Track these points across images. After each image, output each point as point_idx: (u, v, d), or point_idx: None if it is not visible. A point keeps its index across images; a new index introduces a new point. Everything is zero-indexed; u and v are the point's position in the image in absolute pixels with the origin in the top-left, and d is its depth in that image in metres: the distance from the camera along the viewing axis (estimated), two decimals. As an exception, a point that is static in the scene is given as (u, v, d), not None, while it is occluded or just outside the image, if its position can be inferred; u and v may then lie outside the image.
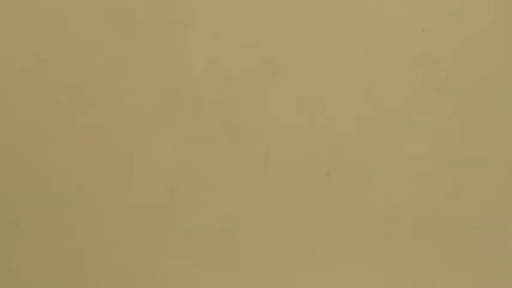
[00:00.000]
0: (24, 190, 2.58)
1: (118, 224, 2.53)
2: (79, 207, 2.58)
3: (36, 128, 2.57)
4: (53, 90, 2.44)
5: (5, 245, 2.61)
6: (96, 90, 2.52)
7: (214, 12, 2.32)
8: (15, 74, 2.49)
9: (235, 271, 2.15)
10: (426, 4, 2.33)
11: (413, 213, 2.40)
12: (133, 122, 2.51)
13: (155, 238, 2.11)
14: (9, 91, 2.49)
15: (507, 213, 2.36)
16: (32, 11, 2.40)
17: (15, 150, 2.54)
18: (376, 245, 2.39)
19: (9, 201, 2.59)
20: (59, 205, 2.59)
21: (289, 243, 2.03)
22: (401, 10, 2.32)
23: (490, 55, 2.36)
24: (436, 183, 2.38)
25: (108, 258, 2.56)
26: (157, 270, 2.34)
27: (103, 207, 2.53)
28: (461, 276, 2.37)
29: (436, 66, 2.34)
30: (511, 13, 2.33)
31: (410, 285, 2.38)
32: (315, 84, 2.28)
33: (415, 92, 2.33)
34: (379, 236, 2.39)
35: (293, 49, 2.30)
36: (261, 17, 2.29)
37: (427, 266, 2.39)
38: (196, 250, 2.18)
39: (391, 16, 2.32)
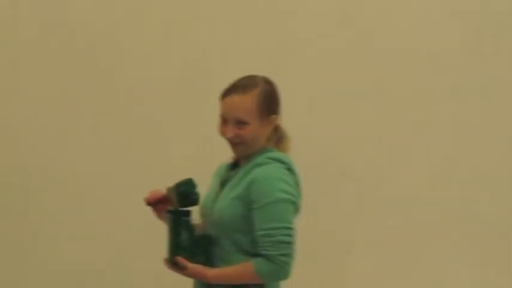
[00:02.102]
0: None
1: (126, 220, 2.50)
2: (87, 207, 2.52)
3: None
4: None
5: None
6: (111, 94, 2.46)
7: (230, 16, 2.32)
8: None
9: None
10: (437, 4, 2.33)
11: (427, 212, 2.42)
12: (151, 120, 2.47)
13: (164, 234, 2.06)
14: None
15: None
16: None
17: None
18: (390, 243, 2.41)
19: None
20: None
21: (302, 241, 1.99)
22: (414, 10, 2.33)
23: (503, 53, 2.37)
24: (449, 183, 2.40)
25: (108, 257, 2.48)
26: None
27: (113, 205, 2.47)
28: (474, 272, 2.40)
29: (450, 66, 2.35)
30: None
31: (424, 283, 2.40)
32: (329, 85, 2.29)
33: (429, 93, 2.35)
34: (393, 234, 2.40)
35: (304, 50, 2.31)
36: (272, 19, 2.28)
37: (440, 264, 2.41)
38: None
39: (403, 16, 2.33)
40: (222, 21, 2.37)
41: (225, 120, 1.61)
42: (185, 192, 1.61)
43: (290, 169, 1.62)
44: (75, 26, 2.40)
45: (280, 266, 1.55)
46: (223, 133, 1.62)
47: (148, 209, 1.71)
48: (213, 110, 1.72)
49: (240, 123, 1.59)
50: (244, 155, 1.63)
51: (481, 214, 2.40)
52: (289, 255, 1.55)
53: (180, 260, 1.58)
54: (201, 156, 2.32)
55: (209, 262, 1.60)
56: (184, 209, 1.61)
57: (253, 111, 1.59)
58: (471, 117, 2.38)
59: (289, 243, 1.55)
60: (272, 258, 1.54)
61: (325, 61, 2.26)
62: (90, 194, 2.49)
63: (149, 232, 2.17)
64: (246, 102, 1.59)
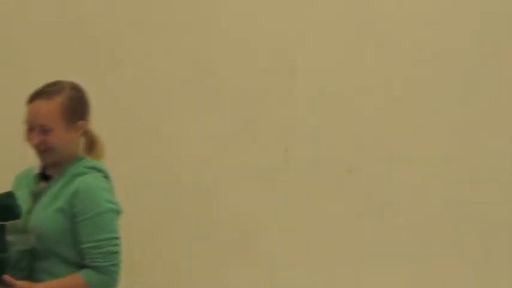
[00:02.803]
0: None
1: (138, 219, 2.53)
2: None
3: None
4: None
5: None
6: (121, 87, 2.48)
7: (237, 15, 2.35)
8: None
9: (254, 266, 2.16)
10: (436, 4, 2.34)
11: (434, 209, 2.42)
12: (158, 118, 2.51)
13: (176, 234, 2.11)
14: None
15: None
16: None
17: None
18: (396, 240, 2.41)
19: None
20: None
21: (309, 238, 2.03)
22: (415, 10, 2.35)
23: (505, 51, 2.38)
24: (456, 180, 2.41)
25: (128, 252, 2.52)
26: (178, 267, 2.35)
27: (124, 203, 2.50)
28: (480, 270, 2.40)
29: (458, 63, 2.36)
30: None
31: (430, 279, 2.40)
32: (335, 83, 2.29)
33: (435, 90, 2.36)
34: (399, 231, 2.41)
35: (312, 48, 2.31)
36: (281, 17, 2.30)
37: (447, 260, 2.42)
38: (217, 245, 2.19)
39: (406, 13, 2.34)
40: (225, 17, 2.40)
41: (30, 128, 1.59)
42: (7, 206, 1.54)
43: (107, 176, 1.62)
44: (78, 17, 2.43)
45: (111, 276, 1.56)
46: (28, 140, 1.59)
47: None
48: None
49: (45, 130, 1.56)
50: (52, 163, 1.60)
51: (491, 211, 2.41)
52: (117, 265, 1.57)
53: (8, 278, 1.52)
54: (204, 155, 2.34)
55: (34, 276, 1.56)
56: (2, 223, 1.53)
57: (57, 117, 1.56)
58: (479, 113, 2.38)
59: (116, 252, 1.57)
60: (102, 269, 1.55)
61: (333, 55, 2.25)
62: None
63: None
64: (50, 108, 1.57)
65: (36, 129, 1.57)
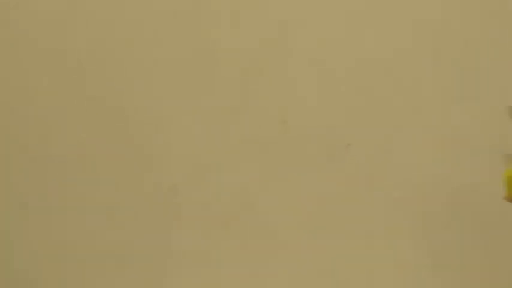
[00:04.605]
0: (34, 172, 2.55)
1: (135, 197, 2.51)
2: (90, 188, 2.55)
3: (50, 113, 2.54)
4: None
5: (16, 225, 2.58)
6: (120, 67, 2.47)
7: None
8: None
9: (251, 239, 2.14)
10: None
11: (432, 183, 2.39)
12: (155, 95, 2.48)
13: (173, 211, 2.08)
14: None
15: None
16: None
17: (28, 132, 2.51)
18: (393, 214, 2.38)
19: (20, 183, 2.56)
20: (69, 185, 2.56)
21: (307, 212, 2.00)
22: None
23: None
24: (454, 154, 2.38)
25: (123, 230, 2.52)
26: (173, 241, 2.31)
27: (117, 184, 2.50)
28: (475, 244, 2.37)
29: (457, 36, 2.33)
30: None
31: (424, 253, 2.37)
32: (334, 55, 2.26)
33: (433, 66, 2.33)
34: (397, 206, 2.38)
35: (310, 19, 2.29)
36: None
37: (443, 235, 2.38)
38: (213, 219, 2.16)
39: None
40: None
41: None
42: None
43: None
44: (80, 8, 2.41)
45: None
46: None
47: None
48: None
49: None
50: None
51: (487, 188, 2.38)
52: None
53: None
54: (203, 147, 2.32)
55: None
56: None
57: None
58: (483, 88, 2.37)
59: None
60: None
61: (333, 25, 2.22)
62: (89, 190, 2.51)
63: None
64: None
65: None
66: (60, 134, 2.62)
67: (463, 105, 2.44)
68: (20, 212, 2.62)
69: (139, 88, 2.54)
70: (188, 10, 2.51)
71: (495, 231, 2.50)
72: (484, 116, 2.46)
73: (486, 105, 2.44)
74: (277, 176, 2.21)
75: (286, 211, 2.23)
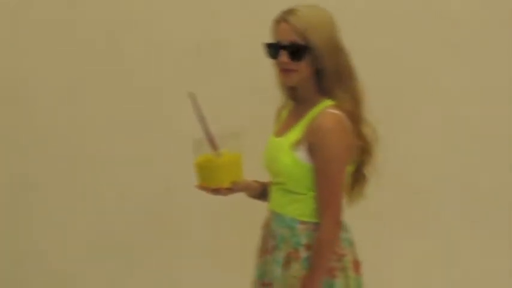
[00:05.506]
0: (42, 154, 2.61)
1: (139, 177, 2.54)
2: (96, 170, 2.60)
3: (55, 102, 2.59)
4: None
5: (25, 206, 2.63)
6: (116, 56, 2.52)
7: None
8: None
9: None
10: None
11: (431, 171, 2.42)
12: (161, 84, 2.53)
13: (188, 187, 2.11)
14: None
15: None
16: None
17: (36, 121, 2.56)
18: (394, 201, 2.42)
19: (28, 165, 2.61)
20: (77, 168, 2.61)
21: None
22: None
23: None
24: (453, 142, 2.42)
25: (126, 213, 2.56)
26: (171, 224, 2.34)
27: (120, 165, 2.54)
28: (480, 235, 2.40)
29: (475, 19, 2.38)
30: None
31: (429, 239, 2.39)
32: (344, 36, 2.28)
33: (435, 51, 2.37)
34: (397, 192, 2.41)
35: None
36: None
37: (451, 221, 2.41)
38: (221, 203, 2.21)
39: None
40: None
41: None
42: None
43: None
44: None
45: None
46: None
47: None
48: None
49: None
50: None
51: (491, 174, 2.42)
52: None
53: None
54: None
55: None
56: None
57: None
58: (478, 79, 2.40)
59: None
60: None
61: (342, 10, 2.21)
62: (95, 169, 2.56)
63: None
64: None
65: None
66: (66, 133, 2.65)
67: (463, 94, 2.39)
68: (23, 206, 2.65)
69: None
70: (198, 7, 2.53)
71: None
72: (483, 107, 2.42)
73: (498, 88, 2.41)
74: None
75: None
